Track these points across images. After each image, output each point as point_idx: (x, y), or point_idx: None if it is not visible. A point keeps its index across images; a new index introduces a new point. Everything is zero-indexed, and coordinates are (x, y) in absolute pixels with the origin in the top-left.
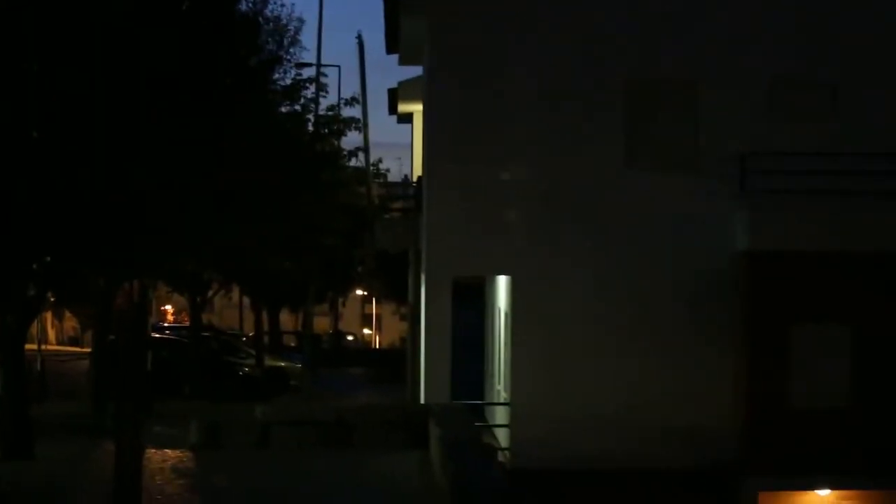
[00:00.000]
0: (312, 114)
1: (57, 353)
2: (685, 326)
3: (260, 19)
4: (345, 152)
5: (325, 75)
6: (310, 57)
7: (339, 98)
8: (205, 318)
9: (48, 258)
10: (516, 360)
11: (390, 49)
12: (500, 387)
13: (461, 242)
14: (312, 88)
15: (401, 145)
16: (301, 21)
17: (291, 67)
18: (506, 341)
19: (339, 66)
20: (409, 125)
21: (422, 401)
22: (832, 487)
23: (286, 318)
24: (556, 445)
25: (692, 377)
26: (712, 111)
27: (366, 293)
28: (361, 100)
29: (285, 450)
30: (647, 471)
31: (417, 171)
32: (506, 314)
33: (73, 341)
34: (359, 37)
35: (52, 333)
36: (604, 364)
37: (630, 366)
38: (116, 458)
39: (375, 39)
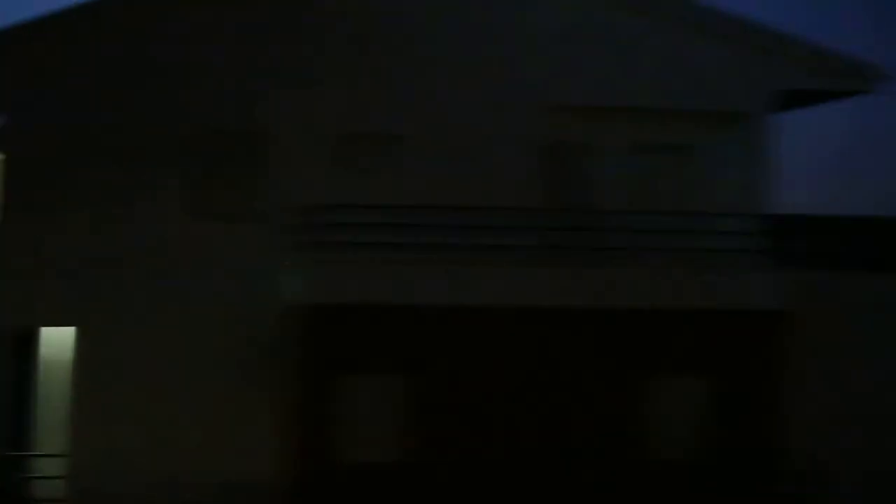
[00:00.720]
0: None
1: None
2: (248, 380)
3: None
4: None
5: None
6: None
7: None
8: None
9: None
10: (76, 411)
11: None
12: (53, 438)
13: (19, 292)
14: None
15: None
16: None
17: None
18: (64, 393)
19: None
20: None
21: None
22: None
23: None
24: (114, 497)
25: (251, 432)
26: (279, 163)
27: None
28: None
29: None
30: None
31: None
32: (66, 366)
33: None
34: None
35: None
36: (163, 417)
37: (190, 420)
38: None
39: None
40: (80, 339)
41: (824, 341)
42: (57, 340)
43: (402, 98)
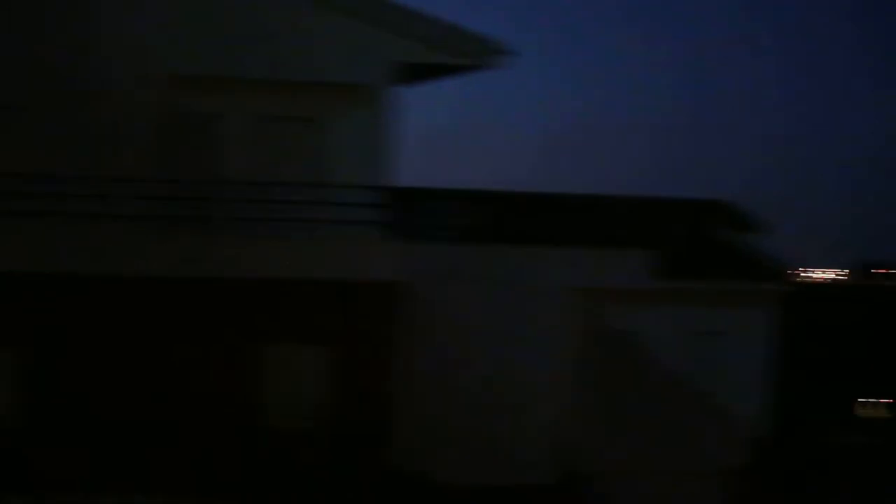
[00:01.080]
0: None
1: None
2: None
3: None
4: None
5: None
6: None
7: None
8: None
9: None
10: None
11: None
12: None
13: None
14: None
15: None
16: None
17: None
18: None
19: None
20: None
21: None
22: None
23: None
24: None
25: None
26: None
27: None
28: None
29: None
30: None
31: None
32: None
33: None
34: None
35: None
36: None
37: None
38: None
39: None
40: None
41: (440, 312)
42: None
43: (17, 66)
